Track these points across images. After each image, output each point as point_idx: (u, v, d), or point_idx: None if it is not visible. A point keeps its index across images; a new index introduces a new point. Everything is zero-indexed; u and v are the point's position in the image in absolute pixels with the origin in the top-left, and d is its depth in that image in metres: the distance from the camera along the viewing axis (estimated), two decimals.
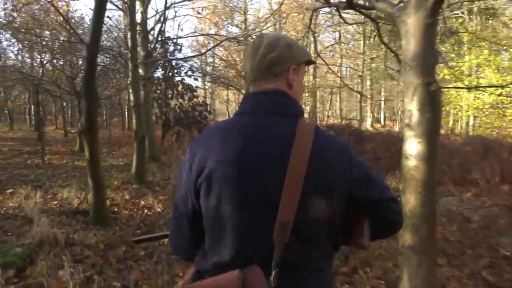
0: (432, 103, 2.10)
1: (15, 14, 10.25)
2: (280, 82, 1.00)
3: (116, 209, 4.62)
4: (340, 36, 23.44)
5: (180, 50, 10.63)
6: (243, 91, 17.65)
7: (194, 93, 11.57)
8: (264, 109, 0.96)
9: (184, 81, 11.38)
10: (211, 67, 18.41)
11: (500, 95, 14.17)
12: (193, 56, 8.86)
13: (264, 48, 0.99)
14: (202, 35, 8.73)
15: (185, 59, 10.62)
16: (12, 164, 8.59)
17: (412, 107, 2.12)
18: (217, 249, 0.92)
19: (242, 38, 7.59)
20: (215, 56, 17.30)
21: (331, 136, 1.00)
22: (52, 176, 7.02)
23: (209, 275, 0.90)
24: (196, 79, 11.98)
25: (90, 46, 3.38)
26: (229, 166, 0.89)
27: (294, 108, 0.98)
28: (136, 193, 5.53)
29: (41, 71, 14.71)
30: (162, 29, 8.92)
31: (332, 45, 22.30)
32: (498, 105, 13.98)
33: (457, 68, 15.41)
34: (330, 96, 27.06)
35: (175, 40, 9.90)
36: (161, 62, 9.35)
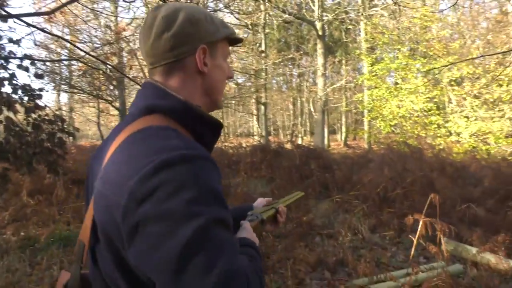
0: None
1: None
2: (184, 69, 0.74)
3: None
4: None
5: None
6: (117, 104, 12.68)
7: (38, 101, 6.51)
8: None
9: (15, 79, 6.27)
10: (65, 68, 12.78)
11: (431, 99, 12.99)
12: (25, 16, 4.10)
13: (158, 25, 0.72)
14: None
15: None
16: None
17: None
18: None
19: None
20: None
21: (149, 139, 0.63)
22: None
23: None
24: (40, 76, 6.65)
25: None
26: (87, 169, 0.80)
27: (149, 101, 0.70)
28: None
29: None
30: None
31: None
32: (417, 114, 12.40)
33: (375, 73, 13.69)
34: None
35: None
36: None
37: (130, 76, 9.36)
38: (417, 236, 2.79)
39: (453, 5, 11.87)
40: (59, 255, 3.54)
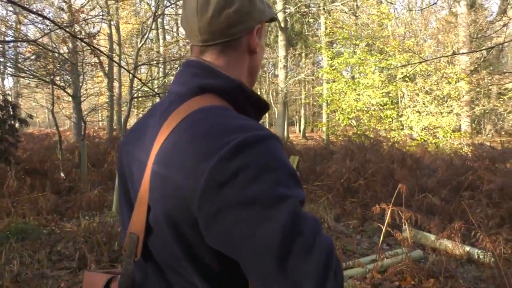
0: None
1: None
2: (238, 49, 0.72)
3: None
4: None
5: None
6: (70, 90, 12.01)
7: None
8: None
9: None
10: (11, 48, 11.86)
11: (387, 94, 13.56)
12: None
13: (218, 0, 0.67)
14: None
15: None
16: None
17: None
18: None
19: None
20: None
21: (214, 120, 0.60)
22: None
23: None
24: None
25: None
26: (120, 154, 0.76)
27: (202, 80, 0.67)
28: None
29: None
30: None
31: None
32: (373, 107, 12.92)
33: (334, 67, 14.03)
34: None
35: None
36: None
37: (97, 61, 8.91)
38: (385, 224, 2.94)
39: (433, 4, 12.39)
40: (18, 249, 3.33)
